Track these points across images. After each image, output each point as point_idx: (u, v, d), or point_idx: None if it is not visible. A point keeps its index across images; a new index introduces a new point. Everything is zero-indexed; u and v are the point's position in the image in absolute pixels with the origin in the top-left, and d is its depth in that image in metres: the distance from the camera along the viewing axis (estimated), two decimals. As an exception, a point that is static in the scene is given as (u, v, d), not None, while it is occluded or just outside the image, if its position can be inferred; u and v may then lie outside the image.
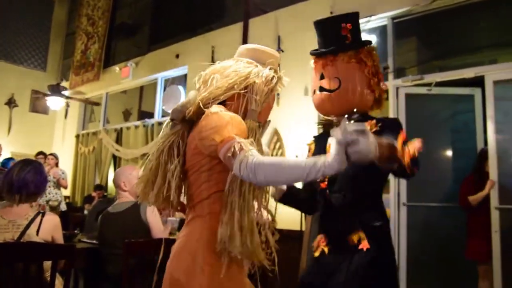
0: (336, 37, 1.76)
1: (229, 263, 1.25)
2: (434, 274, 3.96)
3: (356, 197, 1.69)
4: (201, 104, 1.33)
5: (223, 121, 1.25)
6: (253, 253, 1.24)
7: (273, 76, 1.42)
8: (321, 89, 1.77)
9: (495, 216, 3.53)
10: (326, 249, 1.71)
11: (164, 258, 2.38)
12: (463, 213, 4.02)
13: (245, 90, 1.37)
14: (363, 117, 1.73)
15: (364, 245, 1.62)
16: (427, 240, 4.07)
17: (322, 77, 1.77)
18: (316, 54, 1.82)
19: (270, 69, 1.43)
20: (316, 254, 1.76)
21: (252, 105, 1.36)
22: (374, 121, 1.71)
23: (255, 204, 1.30)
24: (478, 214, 3.67)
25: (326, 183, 1.75)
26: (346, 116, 1.71)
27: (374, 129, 1.65)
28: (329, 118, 1.80)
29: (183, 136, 1.39)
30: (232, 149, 1.18)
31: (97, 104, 7.96)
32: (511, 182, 3.66)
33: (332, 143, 1.14)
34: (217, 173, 1.31)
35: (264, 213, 1.33)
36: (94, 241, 2.98)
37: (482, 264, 3.64)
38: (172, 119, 1.39)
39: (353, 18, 1.79)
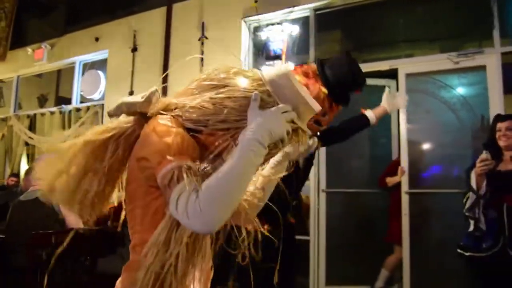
0: (350, 94, 1.96)
1: None
2: (352, 256, 4.17)
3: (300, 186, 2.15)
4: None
5: (166, 137, 0.96)
6: None
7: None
8: (317, 122, 1.92)
9: (405, 200, 3.79)
10: (270, 229, 1.92)
11: (72, 248, 2.29)
12: (379, 198, 4.27)
13: None
14: None
15: (292, 220, 2.10)
16: (346, 224, 4.27)
17: (324, 115, 1.91)
18: (345, 104, 1.96)
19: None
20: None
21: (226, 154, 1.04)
22: None
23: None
24: (399, 199, 3.88)
25: None
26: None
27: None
28: None
29: (132, 138, 1.08)
30: (171, 176, 0.92)
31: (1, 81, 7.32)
32: (419, 168, 3.94)
33: None
34: (154, 212, 1.01)
35: None
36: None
37: (399, 245, 3.89)
38: (109, 114, 1.10)
39: None
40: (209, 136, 1.02)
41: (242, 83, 1.00)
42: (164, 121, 1.00)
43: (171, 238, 0.92)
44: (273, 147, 0.98)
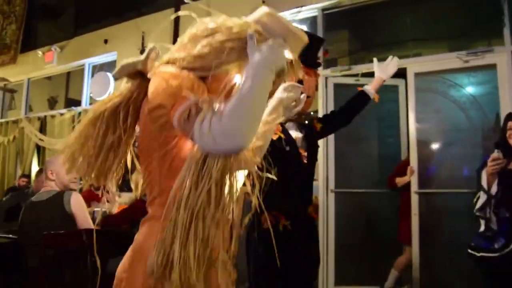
0: (316, 56, 2.18)
1: None
2: (361, 256, 4.15)
3: (314, 171, 2.16)
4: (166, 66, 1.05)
5: (175, 80, 0.99)
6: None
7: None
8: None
9: (414, 199, 3.76)
10: (287, 224, 1.95)
11: (91, 248, 2.31)
12: (388, 198, 4.25)
13: None
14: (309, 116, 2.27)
15: (314, 215, 2.13)
16: (355, 225, 4.26)
17: (301, 82, 2.00)
18: (316, 66, 2.15)
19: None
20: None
21: None
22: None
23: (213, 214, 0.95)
24: (408, 199, 3.85)
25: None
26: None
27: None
28: None
29: (138, 102, 1.11)
30: (189, 111, 0.93)
31: (14, 91, 7.40)
32: (429, 168, 3.91)
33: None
34: (171, 160, 1.02)
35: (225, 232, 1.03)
36: (11, 235, 2.80)
37: (409, 246, 3.86)
38: (114, 76, 1.13)
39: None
40: (214, 83, 1.04)
41: (233, 27, 1.03)
42: (169, 69, 1.03)
43: (199, 175, 0.94)
44: (277, 77, 1.01)
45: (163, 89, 0.98)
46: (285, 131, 2.05)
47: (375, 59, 2.48)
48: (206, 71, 1.02)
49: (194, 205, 0.92)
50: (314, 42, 2.07)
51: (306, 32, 2.04)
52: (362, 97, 2.30)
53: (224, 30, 1.02)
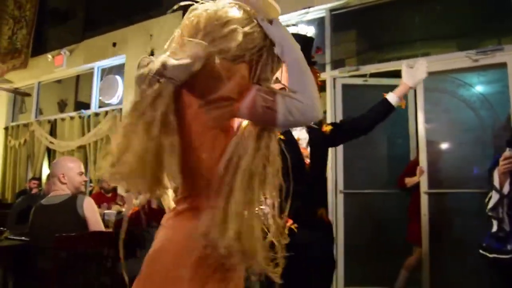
0: (310, 54, 2.15)
1: (221, 274, 0.99)
2: (371, 257, 4.13)
3: (321, 173, 2.11)
4: (217, 59, 1.02)
5: (233, 71, 1.02)
6: (252, 254, 0.98)
7: None
8: None
9: (424, 200, 3.74)
10: (293, 226, 1.89)
11: (94, 251, 2.33)
12: (396, 198, 4.23)
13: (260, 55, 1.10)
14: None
15: (327, 219, 2.06)
16: (364, 225, 4.24)
17: None
18: (312, 64, 2.11)
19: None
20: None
21: (267, 73, 1.11)
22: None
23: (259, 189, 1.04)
24: (418, 200, 3.83)
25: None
26: None
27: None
28: None
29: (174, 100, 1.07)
30: (262, 99, 0.98)
31: (28, 94, 7.48)
32: (438, 168, 3.88)
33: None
34: (222, 151, 1.02)
35: (270, 205, 1.10)
36: (23, 238, 2.83)
37: (418, 246, 3.84)
38: (171, 79, 1.03)
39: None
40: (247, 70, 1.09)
41: (238, 14, 1.09)
42: (218, 61, 1.03)
43: (255, 147, 1.02)
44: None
45: (224, 81, 1.00)
46: (286, 132, 2.02)
47: (403, 63, 2.30)
48: (240, 58, 1.06)
49: (253, 170, 1.01)
50: (305, 41, 2.06)
51: (294, 34, 2.02)
52: (385, 105, 2.15)
53: (234, 19, 1.08)
